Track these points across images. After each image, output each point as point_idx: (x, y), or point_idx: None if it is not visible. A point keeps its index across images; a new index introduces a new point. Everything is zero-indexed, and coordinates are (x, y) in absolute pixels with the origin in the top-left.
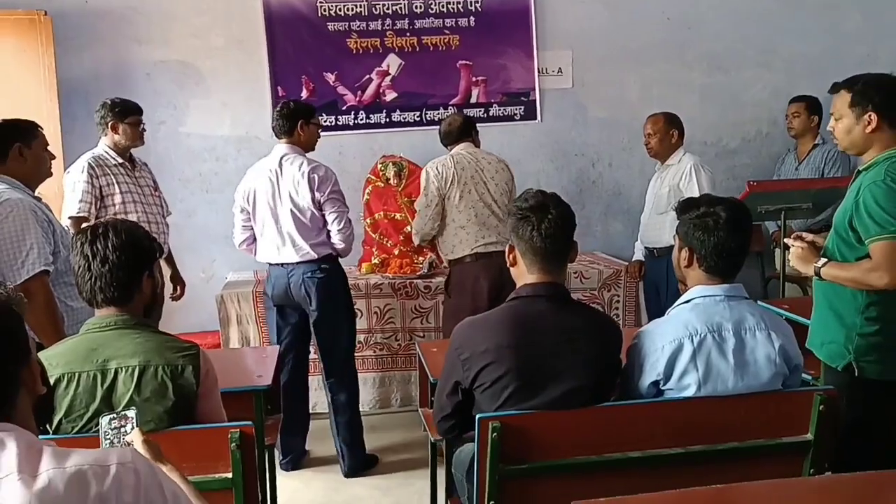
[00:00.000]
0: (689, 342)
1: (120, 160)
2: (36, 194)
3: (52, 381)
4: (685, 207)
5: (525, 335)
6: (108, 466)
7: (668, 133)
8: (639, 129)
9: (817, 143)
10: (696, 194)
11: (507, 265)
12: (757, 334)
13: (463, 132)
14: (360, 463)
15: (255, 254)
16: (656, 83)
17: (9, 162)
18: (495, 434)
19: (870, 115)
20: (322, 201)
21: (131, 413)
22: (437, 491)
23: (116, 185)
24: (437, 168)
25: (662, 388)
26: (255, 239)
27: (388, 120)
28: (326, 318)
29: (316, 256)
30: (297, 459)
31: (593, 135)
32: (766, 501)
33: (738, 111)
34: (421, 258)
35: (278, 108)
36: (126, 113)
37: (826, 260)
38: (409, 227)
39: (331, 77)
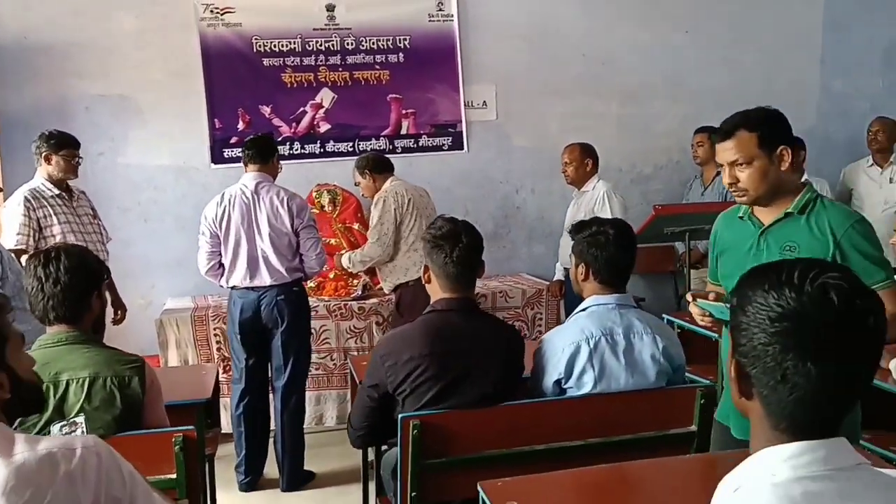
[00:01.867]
0: (585, 344)
1: (57, 191)
2: None
3: None
4: (578, 228)
5: (441, 343)
6: (75, 449)
7: (583, 162)
8: (559, 158)
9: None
10: None
11: (423, 282)
12: (644, 337)
13: (391, 167)
14: (298, 478)
15: (220, 279)
16: (575, 114)
17: None
18: (416, 431)
19: (783, 151)
20: (300, 228)
21: (80, 419)
22: (368, 494)
23: (54, 217)
24: (394, 194)
25: (564, 387)
26: (221, 265)
27: (322, 150)
28: (294, 339)
29: (289, 279)
30: (257, 480)
31: (517, 163)
32: (652, 475)
33: (650, 140)
34: (355, 281)
35: (253, 140)
36: (61, 145)
37: None
38: (343, 251)
39: (266, 110)
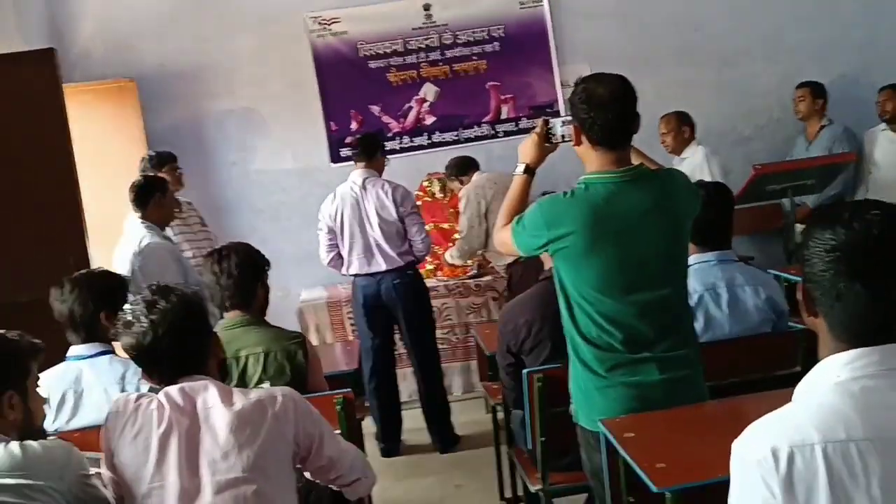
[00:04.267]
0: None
1: None
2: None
3: None
4: None
5: (553, 306)
6: (276, 397)
7: (680, 130)
8: (657, 129)
9: (824, 124)
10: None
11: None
12: (746, 289)
13: (474, 164)
14: (451, 439)
15: (341, 269)
16: (670, 84)
17: (149, 209)
18: (539, 384)
19: (573, 128)
20: (405, 215)
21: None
22: (499, 447)
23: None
24: (473, 187)
25: None
26: (340, 256)
27: (429, 141)
28: (416, 317)
29: (402, 263)
30: (396, 446)
31: None
32: (759, 409)
33: (749, 101)
34: (470, 261)
35: (360, 139)
36: (161, 163)
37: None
38: (456, 235)
39: (376, 109)
